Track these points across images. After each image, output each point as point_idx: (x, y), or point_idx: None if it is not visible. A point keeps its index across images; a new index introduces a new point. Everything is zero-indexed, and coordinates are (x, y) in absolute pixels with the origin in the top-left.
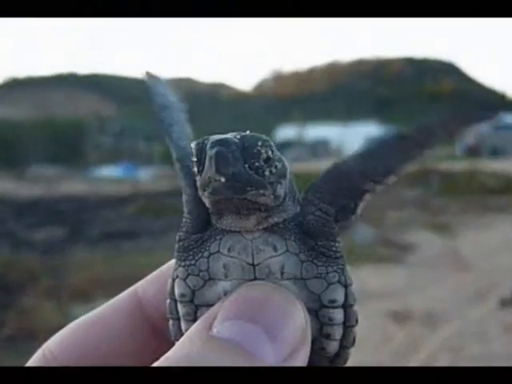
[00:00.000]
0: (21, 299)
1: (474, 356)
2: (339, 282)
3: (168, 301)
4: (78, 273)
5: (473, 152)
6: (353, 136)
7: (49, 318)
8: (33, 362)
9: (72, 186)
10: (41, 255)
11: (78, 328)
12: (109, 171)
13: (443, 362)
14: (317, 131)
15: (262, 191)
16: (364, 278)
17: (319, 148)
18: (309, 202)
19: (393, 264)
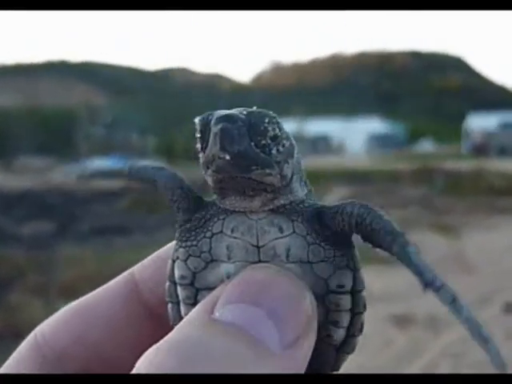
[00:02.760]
0: (7, 296)
1: (476, 363)
2: (347, 266)
3: (167, 283)
4: (67, 269)
5: (479, 151)
6: (355, 132)
7: (36, 316)
8: (24, 346)
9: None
10: (28, 250)
11: (71, 311)
12: (100, 163)
13: (445, 368)
14: (318, 126)
15: (268, 170)
16: (365, 281)
17: (320, 144)
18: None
19: (395, 266)
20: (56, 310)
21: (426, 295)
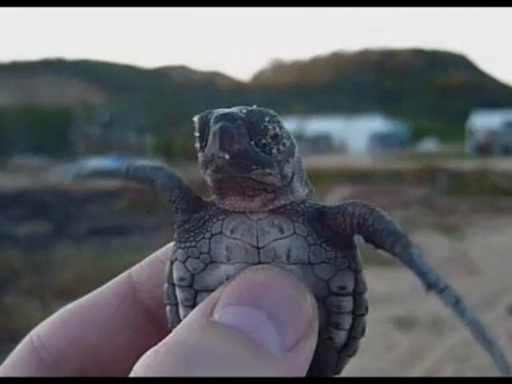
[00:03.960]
0: (2, 298)
1: (480, 366)
2: (349, 267)
3: (165, 285)
4: (63, 270)
5: (483, 150)
6: (357, 131)
7: (32, 318)
8: (20, 348)
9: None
10: (24, 251)
11: (68, 314)
12: (97, 163)
13: (448, 371)
14: (319, 125)
15: (268, 170)
16: (367, 282)
17: (321, 143)
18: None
19: (397, 267)
20: (52, 312)
21: (429, 297)
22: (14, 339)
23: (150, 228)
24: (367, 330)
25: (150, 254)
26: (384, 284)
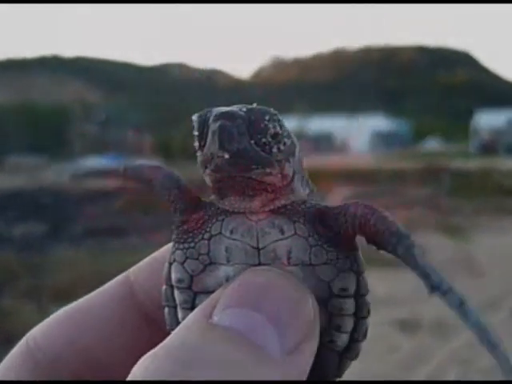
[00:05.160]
0: None
1: (485, 369)
2: (351, 269)
3: (164, 287)
4: (60, 272)
5: (488, 149)
6: (359, 130)
7: (28, 321)
8: (16, 351)
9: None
10: (20, 252)
11: (64, 316)
12: (94, 162)
13: (452, 374)
14: (320, 124)
15: (268, 170)
16: (369, 284)
17: (322, 142)
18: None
19: (400, 269)
20: (49, 314)
21: (432, 299)
22: (10, 342)
23: (147, 229)
24: (369, 332)
25: (148, 255)
26: (386, 286)
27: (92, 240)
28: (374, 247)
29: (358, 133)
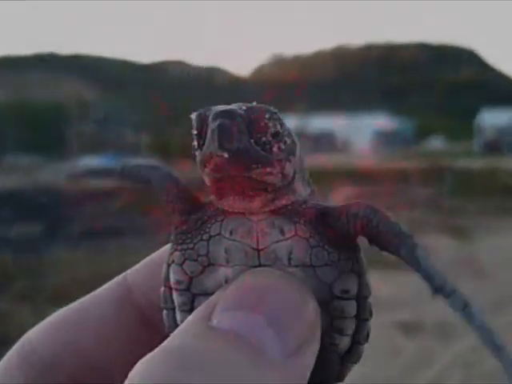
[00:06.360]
0: None
1: (489, 373)
2: (353, 270)
3: (162, 289)
4: (57, 274)
5: (492, 148)
6: (361, 129)
7: (25, 323)
8: (11, 354)
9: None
10: (16, 254)
11: (61, 318)
12: (91, 162)
13: (456, 378)
14: (321, 123)
15: (268, 169)
16: (371, 286)
17: (324, 141)
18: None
19: (403, 271)
20: (45, 316)
21: (435, 301)
22: (6, 344)
23: (145, 229)
24: (371, 335)
25: (146, 256)
26: (389, 287)
27: (89, 241)
28: (377, 248)
29: (360, 131)
